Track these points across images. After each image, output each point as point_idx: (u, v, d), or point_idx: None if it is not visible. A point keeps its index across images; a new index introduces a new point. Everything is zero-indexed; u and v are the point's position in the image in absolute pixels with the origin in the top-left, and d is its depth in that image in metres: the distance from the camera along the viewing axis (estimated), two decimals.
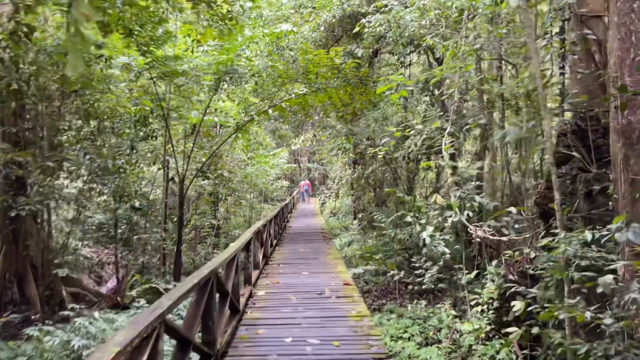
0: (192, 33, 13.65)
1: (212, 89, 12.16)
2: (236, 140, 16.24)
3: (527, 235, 9.10)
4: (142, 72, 11.70)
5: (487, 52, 10.24)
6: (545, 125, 5.52)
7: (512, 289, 8.33)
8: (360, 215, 20.63)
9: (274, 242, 12.47)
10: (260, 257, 8.72)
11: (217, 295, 4.61)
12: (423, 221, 10.06)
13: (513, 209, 7.43)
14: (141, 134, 13.49)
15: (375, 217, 11.65)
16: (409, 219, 9.97)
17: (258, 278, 8.12)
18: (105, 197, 15.98)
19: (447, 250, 9.74)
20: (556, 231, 5.39)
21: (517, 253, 9.15)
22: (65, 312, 8.22)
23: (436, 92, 15.63)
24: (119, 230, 15.72)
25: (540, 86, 5.33)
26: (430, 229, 9.86)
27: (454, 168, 9.47)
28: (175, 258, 11.66)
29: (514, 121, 11.60)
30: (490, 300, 8.87)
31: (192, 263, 16.15)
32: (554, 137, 8.57)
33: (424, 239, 9.73)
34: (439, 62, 14.29)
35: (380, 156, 9.53)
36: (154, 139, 14.66)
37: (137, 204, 15.59)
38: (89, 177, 13.20)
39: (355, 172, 17.04)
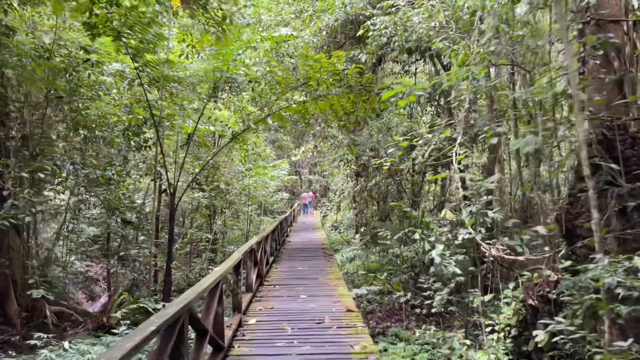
0: (188, 38, 13.01)
1: (207, 96, 11.45)
2: (231, 150, 15.48)
3: (547, 255, 8.31)
4: (134, 78, 11.00)
5: (499, 57, 9.54)
6: (580, 132, 4.76)
7: (536, 319, 7.55)
8: (362, 230, 19.81)
9: (271, 259, 11.67)
10: (254, 277, 7.92)
11: (194, 333, 3.82)
12: (432, 238, 9.26)
13: (542, 229, 6.63)
14: (133, 143, 12.77)
15: (380, 233, 10.86)
16: (416, 236, 9.17)
17: (250, 302, 7.31)
18: (97, 209, 15.25)
19: (458, 271, 8.93)
20: (597, 257, 4.59)
21: (535, 275, 8.36)
22: (33, 341, 7.40)
23: (442, 101, 14.93)
24: (115, 244, 14.95)
25: (575, 87, 4.58)
26: (439, 247, 9.07)
27: (466, 181, 8.69)
28: (165, 276, 10.85)
29: (526, 131, 10.85)
30: (508, 327, 8.05)
31: (186, 279, 15.34)
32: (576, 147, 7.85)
33: (433, 258, 8.94)
34: (447, 69, 13.59)
35: (385, 167, 8.75)
36: (147, 149, 13.95)
37: (132, 217, 14.84)
38: (75, 189, 12.46)
39: (358, 184, 16.26)
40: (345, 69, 11.28)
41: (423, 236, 9.12)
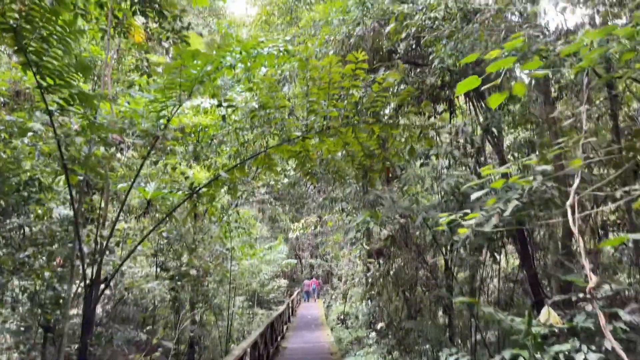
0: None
1: (152, 137, 7.37)
2: (194, 213, 11.22)
3: None
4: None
5: None
6: None
7: None
8: (380, 326, 15.03)
9: None
10: None
11: None
12: None
13: None
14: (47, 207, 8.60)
15: (448, 356, 6.36)
16: None
17: None
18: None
19: None
20: None
21: None
22: None
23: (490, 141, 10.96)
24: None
25: None
26: None
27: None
28: None
29: None
30: None
31: None
32: None
33: None
34: (496, 109, 9.70)
35: (462, 230, 4.45)
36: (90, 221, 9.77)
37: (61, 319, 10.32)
38: None
39: (378, 267, 11.85)
40: (365, 95, 7.45)
41: None
